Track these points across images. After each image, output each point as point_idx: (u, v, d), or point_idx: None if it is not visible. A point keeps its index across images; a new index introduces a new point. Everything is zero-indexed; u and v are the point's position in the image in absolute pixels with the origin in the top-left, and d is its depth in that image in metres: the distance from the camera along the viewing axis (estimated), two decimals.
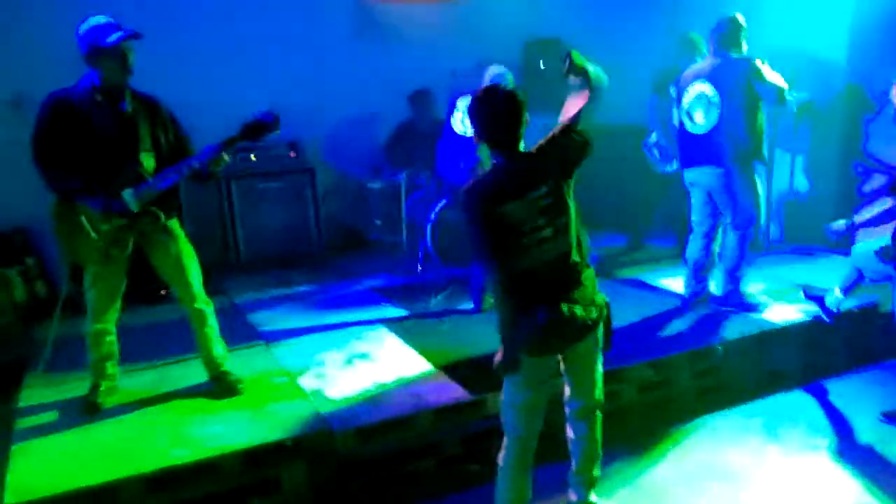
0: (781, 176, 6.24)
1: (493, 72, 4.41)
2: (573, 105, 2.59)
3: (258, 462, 3.01)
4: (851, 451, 3.44)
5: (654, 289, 5.15)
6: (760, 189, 4.44)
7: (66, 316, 3.96)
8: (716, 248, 4.66)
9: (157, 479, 2.84)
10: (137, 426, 3.22)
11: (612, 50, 6.52)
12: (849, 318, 4.42)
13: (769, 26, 4.47)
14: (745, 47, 4.34)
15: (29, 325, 4.57)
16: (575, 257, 2.49)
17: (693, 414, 3.78)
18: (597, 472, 2.81)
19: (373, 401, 3.43)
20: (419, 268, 5.48)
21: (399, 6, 6.58)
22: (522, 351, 2.48)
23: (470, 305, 4.74)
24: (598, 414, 2.76)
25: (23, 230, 5.16)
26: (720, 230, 4.63)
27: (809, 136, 6.17)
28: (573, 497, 2.82)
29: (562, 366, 2.66)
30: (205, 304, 3.48)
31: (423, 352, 3.99)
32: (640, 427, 3.69)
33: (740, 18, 4.33)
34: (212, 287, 3.55)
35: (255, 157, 5.79)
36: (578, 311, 2.46)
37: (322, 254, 6.11)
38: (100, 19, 3.05)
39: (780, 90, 4.18)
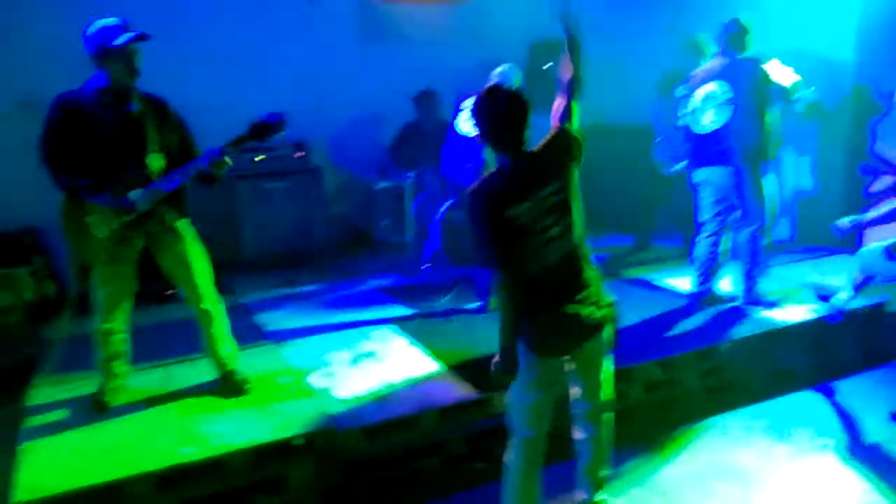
0: (789, 176, 6.22)
1: (499, 70, 4.42)
2: (559, 105, 2.59)
3: (266, 460, 3.02)
4: (861, 451, 3.42)
5: (660, 289, 5.14)
6: (774, 187, 4.43)
7: (74, 315, 3.99)
8: (723, 248, 4.65)
9: (166, 476, 2.86)
10: (145, 424, 3.24)
11: (617, 51, 6.57)
12: (858, 317, 4.41)
13: (776, 27, 4.46)
14: (750, 48, 4.34)
15: (38, 324, 4.59)
16: (581, 256, 2.49)
17: (701, 414, 3.77)
18: (605, 472, 2.81)
19: (379, 400, 3.44)
20: (425, 267, 5.48)
21: (404, 8, 6.58)
22: (529, 352, 2.47)
23: (476, 305, 4.74)
24: (608, 415, 2.75)
25: (31, 230, 5.18)
26: (727, 231, 4.62)
27: (817, 137, 6.15)
28: (581, 496, 2.81)
29: (569, 367, 2.64)
30: (212, 305, 3.48)
31: (430, 351, 3.99)
32: (648, 426, 3.68)
33: (748, 20, 4.33)
34: (219, 286, 3.56)
35: (261, 157, 5.80)
36: (585, 311, 2.45)
37: (328, 253, 6.12)
38: (108, 21, 3.06)
39: (786, 90, 4.18)
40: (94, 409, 3.34)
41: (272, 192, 5.87)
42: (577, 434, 2.77)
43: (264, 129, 3.15)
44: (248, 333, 4.27)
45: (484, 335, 4.06)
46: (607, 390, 2.72)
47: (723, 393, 3.99)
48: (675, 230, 6.06)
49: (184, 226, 3.40)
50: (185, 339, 3.85)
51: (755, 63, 4.21)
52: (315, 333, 4.39)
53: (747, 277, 4.56)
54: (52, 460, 2.94)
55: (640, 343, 4.04)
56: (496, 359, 2.47)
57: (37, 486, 2.72)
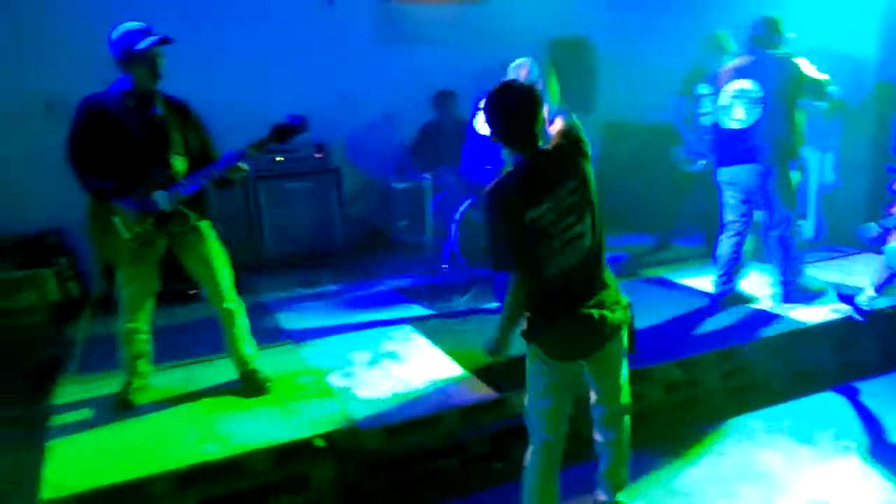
0: (813, 174, 6.16)
1: (515, 64, 4.39)
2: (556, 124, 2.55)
3: (287, 460, 3.04)
4: (884, 452, 3.39)
5: (681, 288, 5.11)
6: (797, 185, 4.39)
7: (98, 315, 4.04)
8: (747, 248, 4.62)
9: (187, 475, 2.89)
10: (168, 423, 3.27)
11: (637, 49, 6.54)
12: (881, 317, 4.35)
13: (798, 25, 4.42)
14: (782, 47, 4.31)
15: (62, 324, 4.65)
16: (600, 257, 2.47)
17: (722, 415, 3.75)
18: (625, 474, 2.80)
19: (400, 399, 3.45)
20: (444, 267, 5.49)
21: (421, 8, 6.59)
22: (545, 356, 2.47)
23: (495, 305, 4.73)
24: (626, 418, 2.74)
25: (56, 231, 5.26)
26: (752, 231, 4.58)
27: (840, 135, 6.08)
28: (601, 497, 2.80)
29: (586, 370, 2.62)
30: (234, 304, 3.52)
31: (449, 351, 4.00)
32: (669, 427, 3.66)
33: (777, 19, 4.29)
34: (240, 286, 3.60)
35: (281, 158, 5.85)
36: (606, 313, 2.43)
37: (347, 253, 6.15)
38: (132, 25, 3.10)
39: (822, 85, 4.14)
40: (118, 408, 3.39)
41: (292, 192, 5.90)
42: (597, 437, 2.76)
43: (286, 130, 3.19)
44: (269, 333, 4.31)
45: None
46: (625, 393, 2.70)
47: (745, 394, 3.96)
48: (696, 230, 6.02)
49: (206, 226, 3.44)
50: (207, 338, 3.90)
51: (786, 60, 4.18)
52: (335, 333, 4.41)
53: (784, 280, 4.52)
54: (78, 458, 2.98)
55: (661, 343, 4.02)
56: (490, 342, 2.49)
57: (63, 485, 2.77)
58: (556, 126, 2.50)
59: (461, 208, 5.21)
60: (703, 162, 5.28)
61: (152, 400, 3.48)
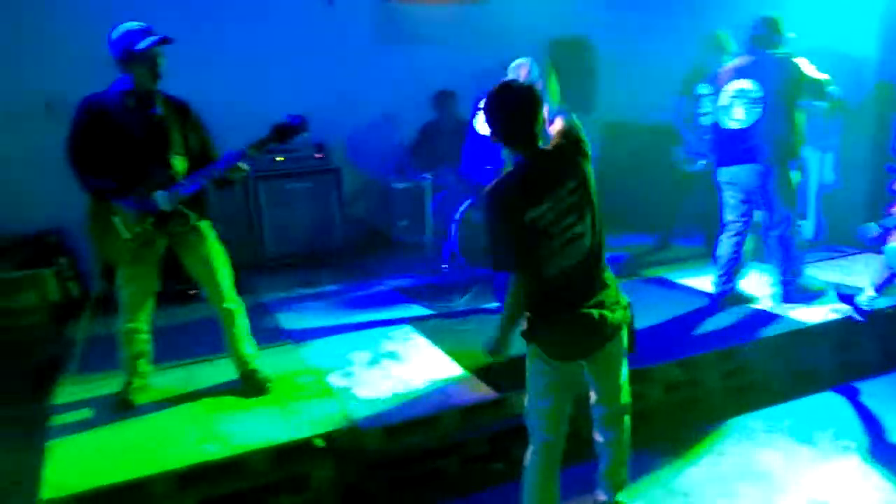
0: (813, 174, 6.16)
1: (515, 64, 4.40)
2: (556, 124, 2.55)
3: (287, 460, 3.04)
4: (884, 452, 3.39)
5: (681, 288, 5.11)
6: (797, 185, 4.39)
7: (98, 315, 4.04)
8: (747, 248, 4.62)
9: (188, 475, 2.89)
10: (168, 423, 3.27)
11: (637, 49, 6.54)
12: (881, 317, 4.35)
13: (798, 25, 4.43)
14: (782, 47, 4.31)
15: (62, 324, 4.65)
16: (600, 257, 2.47)
17: (722, 415, 3.75)
18: (625, 474, 2.80)
19: (400, 399, 3.45)
20: (444, 267, 5.49)
21: (421, 8, 6.59)
22: (545, 356, 2.47)
23: (495, 305, 4.73)
24: (626, 418, 2.74)
25: (56, 231, 5.27)
26: (752, 231, 4.58)
27: (840, 135, 6.09)
28: (601, 497, 2.80)
29: (586, 370, 2.62)
30: (234, 304, 3.52)
31: (449, 351, 4.00)
32: (669, 427, 3.66)
33: (777, 19, 4.29)
34: (240, 286, 3.60)
35: (281, 158, 5.85)
36: (606, 313, 2.43)
37: (348, 254, 6.15)
38: (132, 25, 3.10)
39: (822, 85, 4.14)
40: (118, 408, 3.39)
41: (292, 192, 5.90)
42: (597, 437, 2.76)
43: (286, 130, 3.19)
44: (269, 333, 4.31)
45: None
46: (625, 393, 2.70)
47: (745, 394, 3.96)
48: (696, 230, 6.02)
49: (206, 226, 3.44)
50: (207, 338, 3.90)
51: (786, 60, 4.18)
52: (335, 333, 4.41)
53: (784, 280, 4.52)
54: (78, 458, 2.98)
55: (661, 343, 4.02)
56: (490, 342, 2.48)
57: (63, 485, 2.77)
58: (556, 126, 2.50)
59: (461, 208, 5.21)
60: (703, 162, 5.28)
61: (152, 400, 3.48)
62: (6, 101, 5.10)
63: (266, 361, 3.72)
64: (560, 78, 3.65)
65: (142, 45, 3.05)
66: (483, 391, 3.49)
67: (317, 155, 6.01)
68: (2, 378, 4.12)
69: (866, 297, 4.20)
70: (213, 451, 2.99)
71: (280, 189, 5.88)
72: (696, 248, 5.94)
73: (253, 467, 2.99)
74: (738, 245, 4.57)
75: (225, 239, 3.55)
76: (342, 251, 6.13)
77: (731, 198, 4.56)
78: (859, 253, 5.63)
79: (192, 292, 4.72)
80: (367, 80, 6.28)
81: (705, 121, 5.12)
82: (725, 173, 4.53)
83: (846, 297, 4.34)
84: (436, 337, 4.24)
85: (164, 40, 3.11)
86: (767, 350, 4.08)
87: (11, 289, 4.60)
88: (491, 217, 2.41)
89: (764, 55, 4.28)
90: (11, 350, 4.37)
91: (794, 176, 4.38)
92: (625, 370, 2.67)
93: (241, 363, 3.59)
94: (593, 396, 2.71)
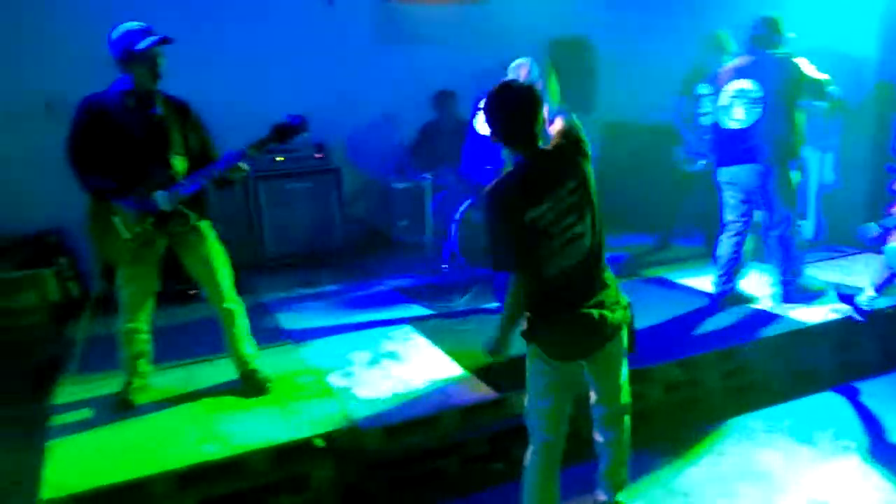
0: (813, 174, 6.16)
1: (514, 64, 4.40)
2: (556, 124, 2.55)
3: (287, 460, 3.04)
4: (884, 452, 3.39)
5: (681, 288, 5.11)
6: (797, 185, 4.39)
7: (98, 315, 4.04)
8: (747, 248, 4.62)
9: (188, 475, 2.89)
10: (168, 423, 3.27)
11: (637, 49, 6.54)
12: (881, 317, 4.35)
13: (798, 25, 4.43)
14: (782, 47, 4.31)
15: (62, 324, 4.65)
16: (600, 257, 2.47)
17: (722, 415, 3.75)
18: (625, 474, 2.80)
19: (400, 399, 3.45)
20: (444, 267, 5.49)
21: (421, 8, 6.60)
22: (545, 356, 2.46)
23: (495, 305, 4.73)
24: (626, 418, 2.74)
25: (56, 231, 5.27)
26: (752, 231, 4.58)
27: (840, 135, 6.09)
28: (601, 497, 2.80)
29: (586, 370, 2.62)
30: (234, 304, 3.52)
31: (449, 351, 4.00)
32: (669, 427, 3.66)
33: (777, 19, 4.29)
34: (240, 286, 3.60)
35: (281, 158, 5.85)
36: (606, 313, 2.43)
37: (348, 254, 6.15)
38: (132, 25, 3.10)
39: (822, 85, 4.14)
40: (118, 408, 3.39)
41: (292, 192, 5.90)
42: (597, 437, 2.76)
43: (286, 130, 3.19)
44: (269, 333, 4.31)
45: None
46: (625, 393, 2.70)
47: (745, 394, 3.96)
48: (696, 230, 6.02)
49: (206, 226, 3.44)
50: (207, 338, 3.90)
51: (786, 60, 4.18)
52: (335, 333, 4.41)
53: (784, 280, 4.52)
54: (78, 458, 2.98)
55: (661, 343, 4.02)
56: (490, 342, 2.48)
57: (63, 485, 2.76)
58: (556, 126, 2.50)
59: (461, 208, 5.21)
60: (703, 162, 5.28)
61: (152, 400, 3.48)
62: (6, 101, 5.11)
63: (266, 361, 3.72)
64: (560, 78, 3.65)
65: (142, 45, 3.05)
66: (483, 391, 3.49)
67: (317, 155, 6.01)
68: (2, 378, 4.12)
69: (866, 297, 4.20)
70: (213, 451, 2.99)
71: (280, 189, 5.88)
72: (696, 248, 5.95)
73: (253, 467, 2.99)
74: (738, 245, 4.57)
75: (225, 239, 3.55)
76: (342, 251, 6.13)
77: (731, 198, 4.56)
78: (859, 253, 5.63)
79: (192, 292, 4.72)
80: (367, 80, 6.28)
81: (705, 121, 5.13)
82: (725, 173, 4.53)
83: (846, 297, 4.34)
84: (436, 337, 4.24)
85: (164, 40, 3.11)
86: (767, 350, 4.08)
87: (11, 289, 4.60)
88: (491, 217, 2.41)
89: (764, 55, 4.28)
90: (11, 350, 4.37)
91: (794, 176, 4.38)
92: (625, 370, 2.66)
93: (241, 363, 3.59)
94: (593, 396, 2.71)
